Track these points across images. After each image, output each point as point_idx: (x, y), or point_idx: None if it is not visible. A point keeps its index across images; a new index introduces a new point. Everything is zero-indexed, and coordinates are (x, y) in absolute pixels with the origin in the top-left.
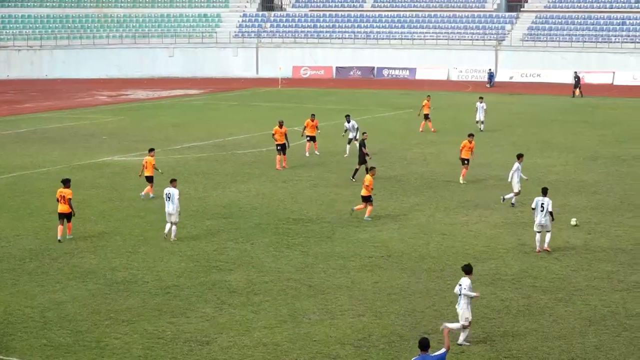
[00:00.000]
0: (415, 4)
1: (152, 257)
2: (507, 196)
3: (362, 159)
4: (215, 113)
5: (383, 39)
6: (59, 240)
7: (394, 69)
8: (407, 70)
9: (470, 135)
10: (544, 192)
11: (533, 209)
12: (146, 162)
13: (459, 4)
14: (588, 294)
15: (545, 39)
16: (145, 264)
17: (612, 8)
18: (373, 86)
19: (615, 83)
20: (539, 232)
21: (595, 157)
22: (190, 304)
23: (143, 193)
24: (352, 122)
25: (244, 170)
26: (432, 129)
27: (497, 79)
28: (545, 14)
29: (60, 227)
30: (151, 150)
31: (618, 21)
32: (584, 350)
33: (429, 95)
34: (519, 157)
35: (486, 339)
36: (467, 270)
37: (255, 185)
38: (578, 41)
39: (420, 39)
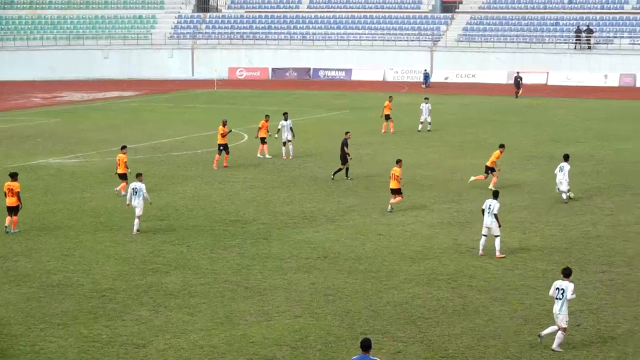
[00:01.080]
0: (351, 5)
1: (88, 260)
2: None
3: (345, 158)
4: (151, 115)
5: (319, 40)
6: (5, 228)
7: (330, 70)
8: (343, 72)
9: (502, 146)
10: (495, 195)
11: (483, 210)
12: (119, 159)
13: (394, 5)
14: (523, 293)
15: (480, 39)
16: (80, 267)
17: (545, 9)
18: (309, 87)
19: (549, 83)
20: (484, 235)
21: (529, 156)
22: (126, 306)
23: (117, 188)
24: (289, 121)
25: (180, 172)
26: (392, 130)
27: (433, 79)
28: (479, 15)
29: (8, 218)
30: (123, 147)
31: (552, 22)
32: (520, 349)
33: (390, 96)
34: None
35: (423, 338)
36: (568, 273)
37: (192, 187)
38: (512, 42)
39: (356, 40)
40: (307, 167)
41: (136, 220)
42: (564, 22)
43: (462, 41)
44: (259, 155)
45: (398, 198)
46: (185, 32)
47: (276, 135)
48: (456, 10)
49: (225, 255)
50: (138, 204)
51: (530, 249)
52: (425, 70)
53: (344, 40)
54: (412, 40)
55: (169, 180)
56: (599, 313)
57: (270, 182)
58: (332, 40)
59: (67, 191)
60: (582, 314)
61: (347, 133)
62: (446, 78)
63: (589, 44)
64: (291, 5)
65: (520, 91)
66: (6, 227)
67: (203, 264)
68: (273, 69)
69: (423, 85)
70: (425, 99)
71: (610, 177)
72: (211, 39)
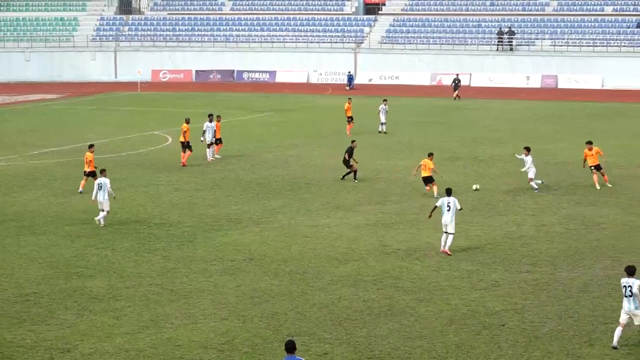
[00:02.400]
0: (274, 7)
1: (11, 264)
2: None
3: (348, 164)
4: (74, 118)
5: (242, 42)
6: None
7: (254, 72)
8: (267, 74)
9: (589, 142)
10: (448, 192)
11: (436, 206)
12: (86, 157)
13: (317, 7)
14: (449, 293)
15: (403, 41)
16: (3, 271)
17: (467, 11)
18: (233, 89)
19: (472, 85)
20: (445, 232)
21: (453, 158)
22: (51, 311)
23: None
24: (214, 122)
25: None
26: (348, 133)
27: (357, 81)
28: (402, 17)
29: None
30: (91, 146)
31: (474, 24)
32: (446, 350)
33: (349, 98)
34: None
35: (349, 340)
36: (632, 271)
37: (116, 190)
38: (435, 43)
39: (280, 42)
40: (231, 169)
41: (102, 214)
42: (486, 23)
43: (385, 43)
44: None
45: (434, 186)
46: (107, 34)
47: (202, 138)
48: (379, 12)
49: (150, 259)
50: (104, 199)
51: (455, 249)
52: (349, 72)
53: (267, 42)
54: (336, 42)
55: (92, 183)
56: (523, 312)
57: (195, 184)
58: (255, 42)
59: None
60: (507, 314)
61: (353, 142)
62: (370, 80)
63: (511, 45)
64: (214, 7)
65: (456, 93)
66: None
67: (128, 267)
68: (197, 71)
69: (347, 87)
70: (384, 100)
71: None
72: (134, 41)
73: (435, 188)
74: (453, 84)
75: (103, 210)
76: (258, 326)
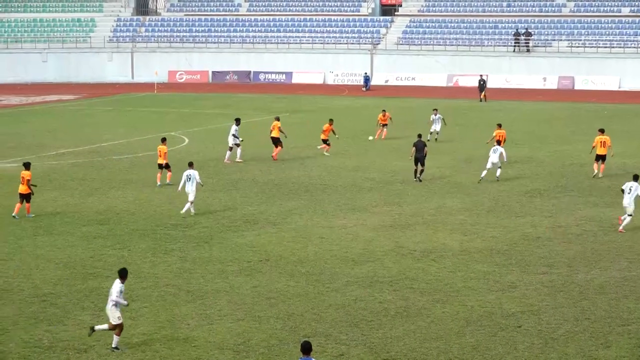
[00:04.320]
0: (291, 9)
1: (28, 265)
2: None
3: (421, 158)
4: (91, 119)
5: (259, 43)
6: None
7: (271, 73)
8: (284, 75)
9: (601, 130)
10: (635, 178)
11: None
12: (159, 151)
13: (334, 9)
14: (465, 294)
15: (419, 42)
16: (20, 271)
17: (484, 12)
18: (249, 90)
19: (489, 86)
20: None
21: (470, 159)
22: (67, 311)
23: (168, 180)
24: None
25: (120, 176)
26: (383, 137)
27: (373, 82)
28: (419, 18)
29: (18, 206)
30: (163, 139)
31: (491, 25)
32: (462, 351)
33: (384, 110)
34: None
35: (365, 341)
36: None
37: (132, 191)
38: (452, 45)
39: (296, 43)
40: (247, 170)
41: (188, 204)
42: (503, 25)
43: (401, 44)
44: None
45: (602, 166)
46: (124, 35)
47: (238, 140)
48: (396, 13)
49: (166, 259)
50: (191, 190)
51: (471, 251)
52: (366, 73)
53: (284, 43)
54: (352, 44)
55: (109, 184)
56: (540, 314)
57: (211, 185)
58: (272, 43)
59: (6, 196)
60: (524, 315)
61: (420, 136)
62: (386, 81)
63: (528, 47)
64: (230, 8)
65: (483, 94)
66: (15, 215)
67: (144, 268)
68: (213, 72)
69: (363, 89)
70: (434, 110)
71: (550, 179)
72: (151, 42)
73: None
74: (479, 84)
75: (190, 202)
76: (274, 327)
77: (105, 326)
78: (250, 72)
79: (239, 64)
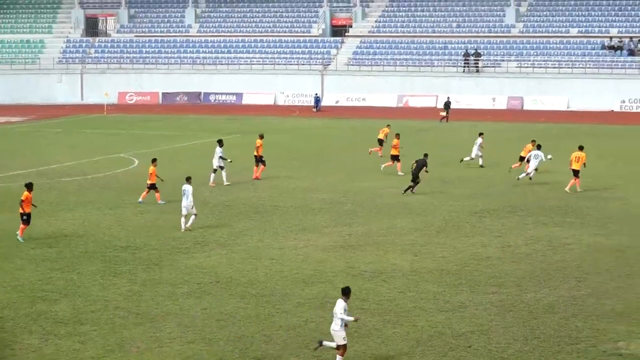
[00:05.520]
0: (242, 29)
1: None
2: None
3: (417, 177)
4: (40, 140)
5: (209, 64)
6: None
7: (221, 94)
8: (234, 96)
9: (580, 147)
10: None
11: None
12: (150, 171)
13: (284, 29)
14: (415, 315)
15: (369, 63)
16: None
17: (434, 33)
18: (200, 112)
19: (438, 106)
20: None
21: (421, 178)
22: (15, 335)
23: (140, 199)
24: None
25: (70, 198)
26: (380, 153)
27: (324, 103)
28: (369, 39)
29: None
30: (154, 160)
31: (440, 45)
32: None
33: (388, 125)
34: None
35: None
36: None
37: (82, 213)
38: (402, 65)
39: (247, 64)
40: (198, 191)
41: (182, 219)
42: (452, 45)
43: (352, 65)
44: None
45: (578, 180)
46: (74, 56)
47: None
48: (346, 34)
49: (116, 282)
50: (184, 205)
51: (421, 271)
52: (316, 94)
53: (234, 64)
54: (303, 64)
55: (58, 206)
56: (489, 334)
57: (161, 207)
58: (222, 64)
59: None
60: (473, 335)
61: (425, 155)
62: (337, 101)
63: (477, 67)
64: (181, 29)
65: (446, 115)
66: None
67: (93, 290)
68: (163, 94)
69: (314, 109)
70: (480, 134)
71: (500, 198)
72: (100, 64)
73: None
74: (445, 105)
75: (183, 216)
76: (224, 349)
77: (333, 344)
78: (200, 93)
79: (190, 85)
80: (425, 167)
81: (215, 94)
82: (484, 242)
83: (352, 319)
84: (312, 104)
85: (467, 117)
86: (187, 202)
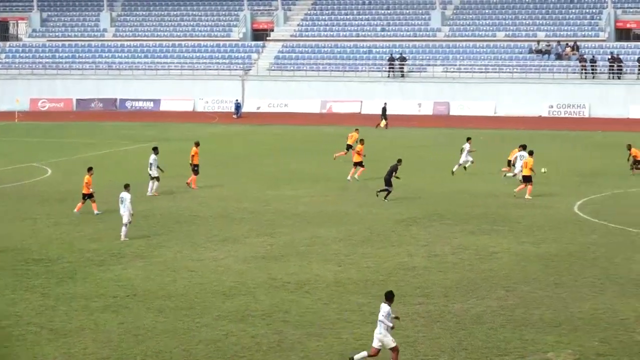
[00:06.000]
0: (159, 34)
1: None
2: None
3: (390, 182)
4: None
5: (126, 69)
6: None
7: (138, 100)
8: (151, 102)
9: (529, 152)
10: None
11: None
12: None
13: (203, 34)
14: (339, 327)
15: (292, 68)
16: None
17: (358, 37)
18: (116, 119)
19: (363, 112)
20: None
21: (344, 187)
22: None
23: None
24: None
25: None
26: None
27: (245, 109)
28: (291, 43)
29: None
30: (90, 169)
31: (365, 50)
32: None
33: (357, 129)
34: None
35: None
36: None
37: None
38: (325, 70)
39: (165, 70)
40: (113, 201)
41: (123, 228)
42: (377, 50)
43: (274, 70)
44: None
45: (529, 187)
46: None
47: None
48: (267, 38)
49: (27, 297)
50: (123, 213)
51: (346, 282)
52: (237, 100)
53: (151, 69)
54: (223, 70)
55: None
56: (416, 345)
57: (76, 218)
58: (139, 69)
59: None
60: (400, 347)
61: (399, 161)
62: (258, 108)
63: (402, 72)
64: (96, 33)
65: (384, 123)
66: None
67: (2, 306)
68: (77, 100)
69: (234, 116)
70: (468, 139)
71: (426, 206)
72: (11, 69)
73: (529, 188)
74: (382, 111)
75: (124, 225)
76: None
77: (364, 353)
78: (116, 99)
79: (105, 91)
80: (395, 173)
81: (132, 100)
82: (410, 251)
83: (390, 324)
84: (233, 110)
85: (392, 124)
86: (124, 210)
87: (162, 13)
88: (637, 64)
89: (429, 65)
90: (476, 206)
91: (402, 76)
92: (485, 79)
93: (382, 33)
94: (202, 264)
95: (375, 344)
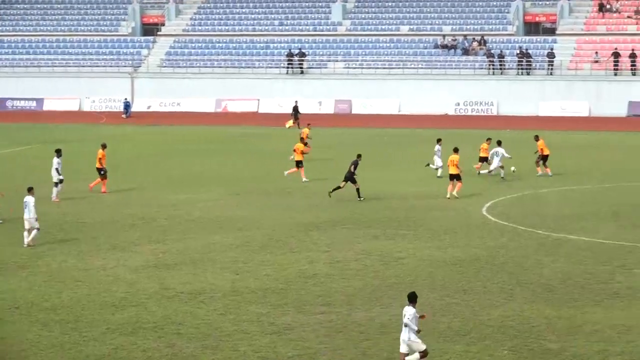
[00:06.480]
0: (42, 28)
1: None
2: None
3: (352, 179)
4: None
5: (5, 66)
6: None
7: (19, 99)
8: (34, 101)
9: (455, 149)
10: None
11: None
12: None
13: (89, 28)
14: (237, 339)
15: (185, 64)
16: None
17: (255, 31)
18: None
19: (260, 111)
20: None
21: (242, 190)
22: None
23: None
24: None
25: None
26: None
27: (134, 108)
28: (184, 38)
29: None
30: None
31: (262, 45)
32: None
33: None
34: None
35: None
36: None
37: None
38: (220, 67)
39: (48, 67)
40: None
41: (25, 233)
42: (275, 45)
43: (165, 67)
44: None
45: (458, 184)
46: None
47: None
48: (158, 33)
49: None
50: (26, 218)
51: (243, 291)
52: (126, 99)
53: (34, 66)
54: (111, 67)
55: None
56: (318, 357)
57: None
58: (20, 66)
59: None
60: (301, 359)
61: (359, 156)
62: (149, 107)
63: (302, 68)
64: None
65: (295, 122)
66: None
67: None
68: None
69: (124, 116)
70: (438, 140)
71: (328, 210)
72: None
73: (458, 186)
74: (293, 110)
75: (26, 230)
76: None
77: (417, 355)
78: None
79: None
80: (352, 167)
81: (13, 99)
82: (311, 257)
83: (416, 328)
84: (122, 109)
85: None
86: (29, 215)
87: (45, 6)
88: (547, 59)
89: (329, 61)
90: (380, 209)
91: (302, 73)
92: (389, 75)
93: (280, 27)
94: (89, 273)
95: (403, 349)
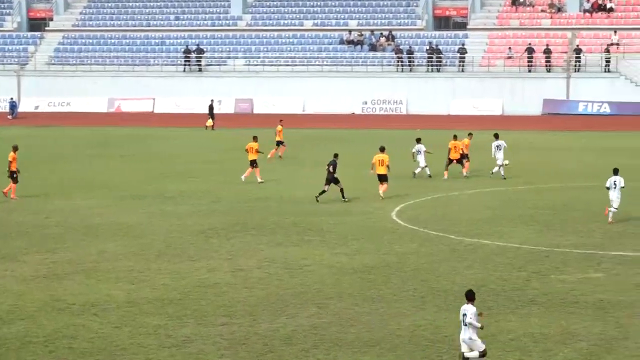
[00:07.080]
0: None
1: None
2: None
3: (335, 179)
4: None
5: None
6: None
7: None
8: None
9: (381, 148)
10: (615, 172)
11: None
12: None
13: None
14: (132, 353)
15: (74, 62)
16: None
17: (149, 27)
18: None
19: (156, 111)
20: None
21: (137, 195)
22: None
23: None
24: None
25: None
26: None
27: (21, 109)
28: (73, 34)
29: None
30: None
31: (157, 41)
32: None
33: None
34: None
35: None
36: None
37: None
38: (112, 64)
39: None
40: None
41: None
42: (171, 41)
43: (54, 64)
44: None
45: (385, 185)
46: None
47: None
48: (46, 28)
49: None
50: None
51: (139, 302)
52: (12, 98)
53: None
54: None
55: None
56: None
57: None
58: None
59: None
60: None
61: (336, 155)
62: (36, 107)
63: (200, 65)
64: None
65: (211, 121)
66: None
67: None
68: None
69: (10, 116)
70: (418, 139)
71: (229, 215)
72: None
73: (385, 187)
74: (209, 109)
75: None
76: None
77: (475, 354)
78: None
79: None
80: (330, 168)
81: None
82: (211, 266)
83: (479, 325)
84: (7, 110)
85: (189, 123)
86: None
87: None
88: (458, 55)
89: (229, 57)
90: (284, 214)
91: (200, 70)
92: (292, 72)
93: (177, 22)
94: None
95: (464, 349)
